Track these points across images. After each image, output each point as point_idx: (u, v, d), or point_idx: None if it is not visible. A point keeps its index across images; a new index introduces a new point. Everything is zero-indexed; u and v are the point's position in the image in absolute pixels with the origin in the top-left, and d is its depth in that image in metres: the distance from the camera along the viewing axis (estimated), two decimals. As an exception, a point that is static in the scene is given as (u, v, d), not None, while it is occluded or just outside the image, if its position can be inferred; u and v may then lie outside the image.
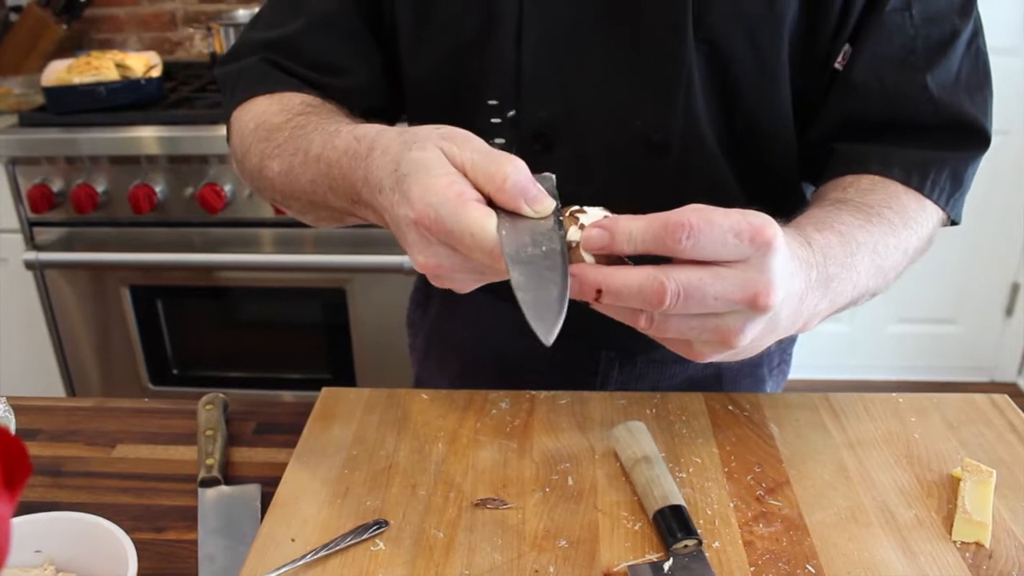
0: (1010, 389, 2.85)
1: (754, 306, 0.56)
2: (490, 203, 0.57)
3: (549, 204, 0.57)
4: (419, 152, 0.58)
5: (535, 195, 0.56)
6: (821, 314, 0.67)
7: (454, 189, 0.55)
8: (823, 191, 0.80)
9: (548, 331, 0.51)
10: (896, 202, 0.77)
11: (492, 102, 0.84)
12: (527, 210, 0.56)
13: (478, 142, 0.59)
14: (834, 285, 0.66)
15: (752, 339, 0.59)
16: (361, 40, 0.88)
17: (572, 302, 0.58)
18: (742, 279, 0.55)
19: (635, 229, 0.55)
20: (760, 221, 0.55)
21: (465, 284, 0.61)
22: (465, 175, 0.57)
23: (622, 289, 0.55)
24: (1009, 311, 2.82)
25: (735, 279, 0.55)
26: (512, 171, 0.56)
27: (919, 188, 0.79)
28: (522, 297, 0.52)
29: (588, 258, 0.57)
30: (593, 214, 0.58)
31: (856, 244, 0.70)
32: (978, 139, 0.82)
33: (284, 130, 0.78)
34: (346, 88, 0.86)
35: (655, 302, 0.54)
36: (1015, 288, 2.78)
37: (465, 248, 0.55)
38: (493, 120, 0.84)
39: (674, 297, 0.54)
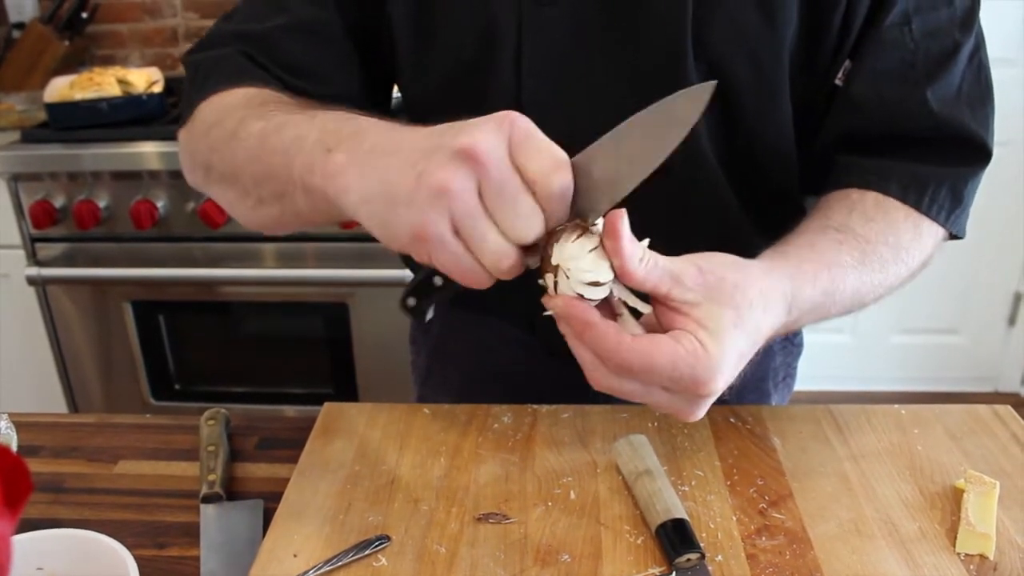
0: (1013, 399, 2.84)
1: (678, 417, 0.62)
2: None
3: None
4: None
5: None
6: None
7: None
8: (828, 207, 0.80)
9: None
10: (893, 235, 0.77)
11: None
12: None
13: None
14: (797, 325, 0.70)
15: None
16: (341, 51, 0.86)
17: None
18: (670, 403, 0.61)
19: (586, 335, 0.58)
20: (703, 376, 0.58)
21: (444, 232, 0.55)
22: None
23: (573, 351, 0.60)
24: (1012, 321, 2.82)
25: (663, 400, 0.61)
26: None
27: (916, 206, 0.79)
28: None
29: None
30: (583, 264, 0.59)
31: (843, 290, 0.72)
32: (979, 154, 0.82)
33: (286, 103, 0.75)
34: (319, 95, 0.83)
35: (590, 382, 0.61)
36: (1017, 298, 2.78)
37: (536, 149, 0.55)
38: None
39: (601, 389, 0.60)
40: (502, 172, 0.54)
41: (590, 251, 0.58)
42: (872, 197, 0.79)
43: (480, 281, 0.58)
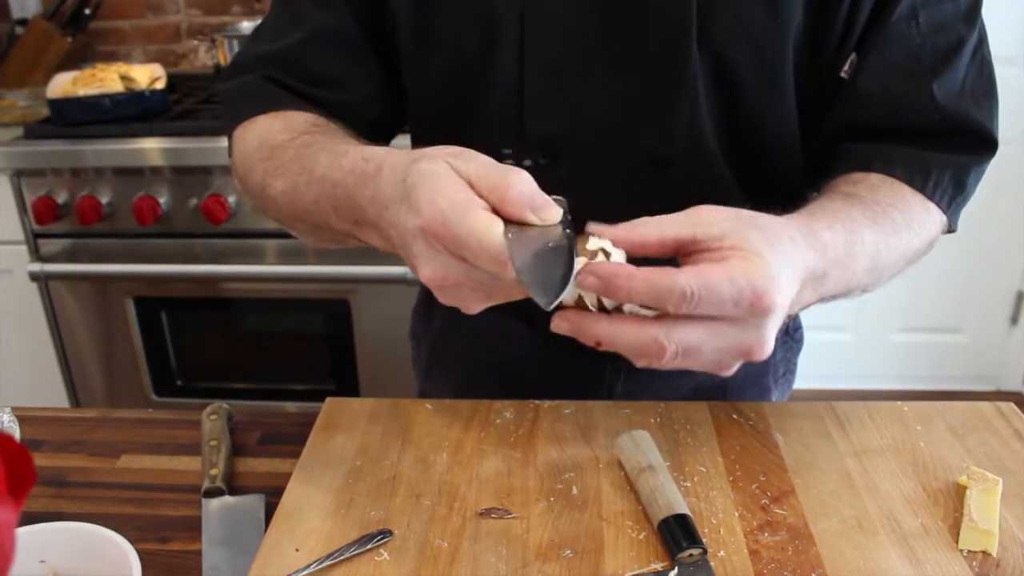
0: (1015, 398, 2.84)
1: (748, 358, 0.59)
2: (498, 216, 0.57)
3: (556, 212, 0.57)
4: (426, 164, 0.58)
5: (541, 203, 0.56)
6: (807, 304, 0.68)
7: (461, 195, 0.55)
8: (831, 185, 0.81)
9: (548, 299, 0.52)
10: (902, 202, 0.78)
11: (503, 150, 0.85)
12: (533, 218, 0.56)
13: (484, 158, 0.59)
14: (827, 282, 0.68)
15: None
16: (361, 53, 0.87)
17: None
18: (738, 338, 0.58)
19: (635, 286, 0.55)
20: (762, 286, 0.56)
21: (471, 301, 0.60)
22: (471, 186, 0.57)
23: (621, 346, 0.58)
24: (1014, 320, 2.82)
25: (732, 338, 0.58)
26: (516, 181, 0.56)
27: (921, 189, 0.80)
28: (526, 278, 0.52)
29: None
30: (614, 255, 0.58)
31: (861, 244, 0.70)
32: (984, 144, 0.82)
33: (288, 149, 0.77)
34: (346, 102, 0.86)
35: (654, 360, 0.57)
36: (1020, 296, 2.78)
37: (471, 254, 0.55)
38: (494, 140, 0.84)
39: (672, 356, 0.57)
40: (471, 279, 0.58)
41: (598, 254, 0.58)
42: (876, 176, 0.80)
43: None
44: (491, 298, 0.60)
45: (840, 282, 0.69)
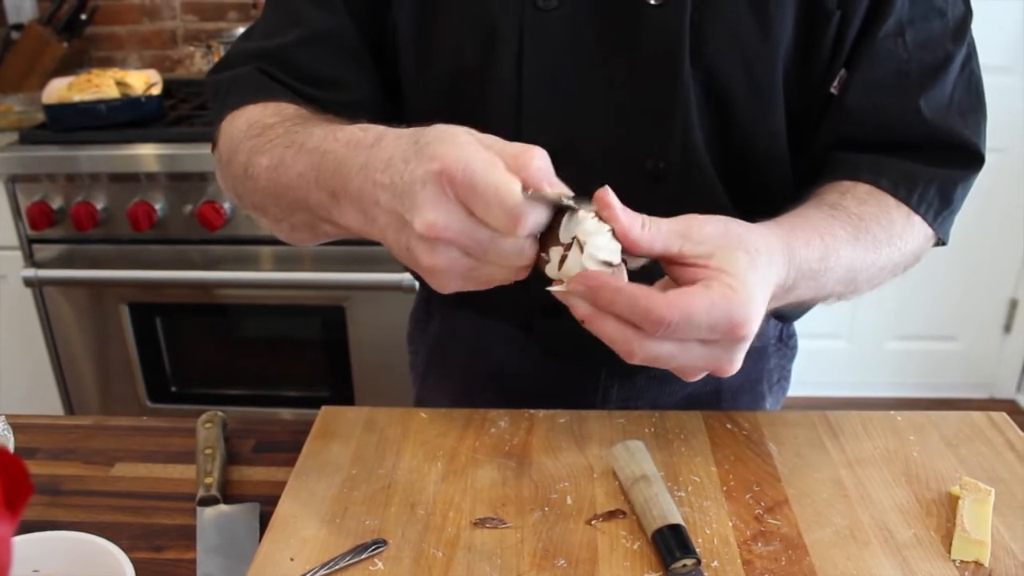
0: (1009, 406, 2.85)
1: (715, 374, 0.61)
2: None
3: (568, 191, 0.57)
4: (443, 126, 0.58)
5: (556, 181, 0.57)
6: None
7: (484, 151, 0.56)
8: (820, 192, 0.81)
9: None
10: (886, 217, 0.78)
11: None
12: (550, 191, 0.56)
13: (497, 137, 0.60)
14: (793, 293, 0.69)
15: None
16: (359, 57, 0.87)
17: (572, 319, 0.59)
18: (707, 357, 0.60)
19: (618, 301, 0.57)
20: (740, 317, 0.58)
21: (449, 278, 0.59)
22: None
23: (598, 331, 0.59)
24: (1008, 327, 2.82)
25: (701, 355, 0.59)
26: (539, 153, 0.56)
27: (906, 201, 0.80)
28: None
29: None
30: (600, 241, 0.58)
31: (836, 258, 0.72)
32: (971, 159, 0.83)
33: (279, 128, 0.76)
34: (340, 103, 0.85)
35: (624, 355, 0.59)
36: (1013, 304, 2.79)
37: (484, 204, 0.54)
38: None
39: (640, 360, 0.58)
40: (471, 236, 0.56)
41: (608, 231, 0.58)
42: (864, 187, 0.81)
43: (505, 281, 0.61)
44: (470, 278, 0.60)
45: (807, 292, 0.71)
